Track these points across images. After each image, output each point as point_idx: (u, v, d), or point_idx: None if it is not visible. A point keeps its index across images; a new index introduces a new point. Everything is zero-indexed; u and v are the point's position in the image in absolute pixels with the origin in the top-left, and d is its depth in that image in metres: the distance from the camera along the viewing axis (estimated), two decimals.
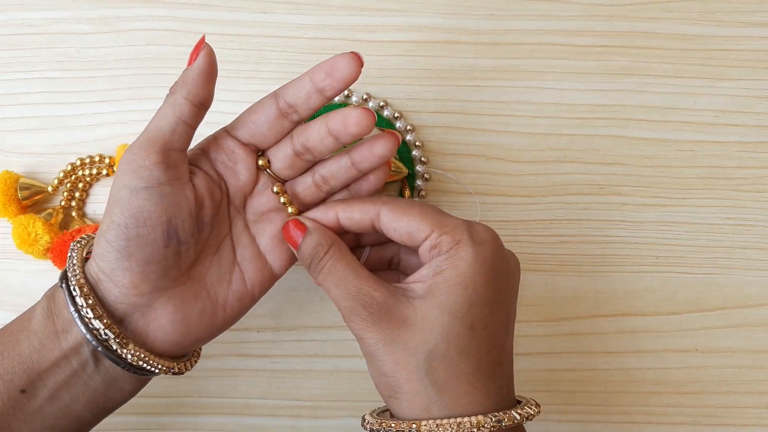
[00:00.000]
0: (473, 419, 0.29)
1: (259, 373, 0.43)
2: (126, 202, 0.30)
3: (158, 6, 0.44)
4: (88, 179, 0.43)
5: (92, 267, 0.31)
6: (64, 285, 0.30)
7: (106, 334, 0.30)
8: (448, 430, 0.28)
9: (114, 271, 0.30)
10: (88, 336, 0.30)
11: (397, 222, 0.32)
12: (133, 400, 0.43)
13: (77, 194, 0.43)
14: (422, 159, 0.43)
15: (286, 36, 0.44)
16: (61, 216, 0.43)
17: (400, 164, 0.42)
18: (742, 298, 0.44)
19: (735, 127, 0.44)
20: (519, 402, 0.32)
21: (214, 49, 0.44)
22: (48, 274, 0.43)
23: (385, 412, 0.33)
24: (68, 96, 0.44)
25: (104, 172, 0.43)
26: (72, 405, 0.31)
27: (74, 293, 0.30)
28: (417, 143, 0.43)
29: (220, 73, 0.44)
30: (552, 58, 0.44)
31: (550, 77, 0.44)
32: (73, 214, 0.43)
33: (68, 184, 0.43)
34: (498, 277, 0.31)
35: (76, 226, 0.42)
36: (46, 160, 0.44)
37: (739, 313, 0.43)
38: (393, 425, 0.30)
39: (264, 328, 0.43)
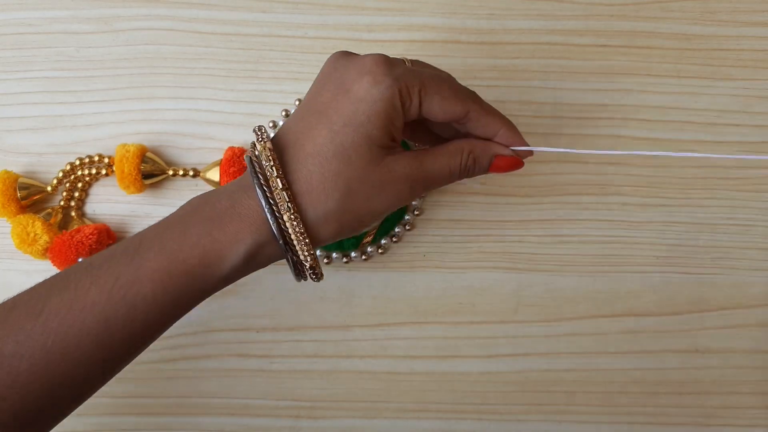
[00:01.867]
0: None
1: (259, 374, 0.43)
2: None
3: (158, 5, 0.44)
4: (87, 179, 0.43)
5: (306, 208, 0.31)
6: (288, 252, 0.31)
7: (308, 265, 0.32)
8: None
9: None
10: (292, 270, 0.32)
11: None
12: (133, 400, 0.43)
13: (76, 194, 0.43)
14: None
15: (287, 35, 0.44)
16: (60, 216, 0.43)
17: None
18: (743, 299, 0.44)
19: (735, 127, 0.44)
20: None
21: (215, 49, 0.44)
22: (48, 274, 0.43)
23: None
24: (68, 96, 0.44)
25: (103, 171, 0.43)
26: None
27: (299, 253, 0.31)
28: (416, 145, 0.43)
29: (219, 73, 0.44)
30: (552, 58, 0.44)
31: (551, 77, 0.44)
32: (72, 213, 0.43)
33: (67, 184, 0.43)
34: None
35: (75, 226, 0.42)
36: (46, 160, 0.44)
37: (740, 313, 0.43)
38: None
39: (264, 328, 0.43)
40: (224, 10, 0.44)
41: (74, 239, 0.40)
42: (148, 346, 0.32)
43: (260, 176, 0.30)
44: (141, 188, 0.42)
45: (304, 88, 0.43)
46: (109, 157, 0.43)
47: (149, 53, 0.44)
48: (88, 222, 0.43)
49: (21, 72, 0.44)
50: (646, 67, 0.44)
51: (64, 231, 0.42)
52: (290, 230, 0.30)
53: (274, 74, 0.44)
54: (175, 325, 0.43)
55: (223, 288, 0.32)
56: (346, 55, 0.32)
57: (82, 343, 0.29)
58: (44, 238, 0.41)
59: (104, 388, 0.43)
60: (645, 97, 0.44)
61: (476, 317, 0.43)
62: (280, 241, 0.31)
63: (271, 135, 0.34)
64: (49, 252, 0.41)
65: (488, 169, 0.34)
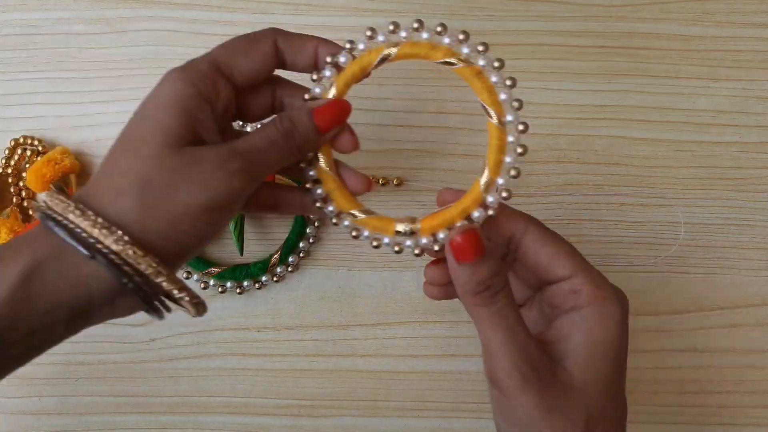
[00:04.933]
0: None
1: (260, 373, 0.43)
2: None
3: (159, 7, 0.44)
4: (27, 157, 0.43)
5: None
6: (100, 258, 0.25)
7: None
8: None
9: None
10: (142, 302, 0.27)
11: (543, 248, 0.29)
12: (134, 399, 0.43)
13: (24, 193, 0.43)
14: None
15: None
16: (19, 216, 0.43)
17: (289, 181, 0.42)
18: (741, 298, 0.44)
19: (734, 128, 0.44)
20: None
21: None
22: None
23: None
24: (70, 96, 0.44)
25: (28, 152, 0.43)
26: (28, 358, 0.28)
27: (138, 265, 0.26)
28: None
29: None
30: (552, 59, 0.44)
31: (550, 78, 0.44)
32: (30, 212, 0.43)
33: (13, 162, 0.43)
34: (626, 345, 0.30)
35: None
36: None
37: (738, 312, 0.44)
38: None
39: (264, 327, 0.44)
40: (225, 11, 0.44)
41: (33, 225, 0.40)
42: None
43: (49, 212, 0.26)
44: (41, 190, 0.42)
45: None
46: (44, 146, 0.43)
47: (151, 54, 0.44)
48: None
49: (23, 72, 0.44)
50: (644, 68, 0.44)
51: (26, 224, 0.42)
52: (83, 224, 0.25)
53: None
54: (175, 324, 0.43)
55: (10, 330, 0.25)
56: None
57: None
58: (7, 238, 0.41)
59: (105, 388, 0.43)
60: (643, 98, 0.44)
61: None
62: (72, 241, 0.25)
63: None
64: None
65: (314, 125, 0.29)
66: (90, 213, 0.25)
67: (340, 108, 0.30)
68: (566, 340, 0.29)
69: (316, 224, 0.43)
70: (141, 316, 0.43)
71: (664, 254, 0.44)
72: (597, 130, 0.44)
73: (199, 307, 0.28)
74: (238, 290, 0.43)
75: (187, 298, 0.27)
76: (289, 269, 0.43)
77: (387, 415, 0.43)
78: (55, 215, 0.26)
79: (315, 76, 0.31)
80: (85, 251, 0.25)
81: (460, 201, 0.30)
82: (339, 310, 0.44)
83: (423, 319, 0.43)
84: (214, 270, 0.43)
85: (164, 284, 0.26)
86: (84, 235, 0.25)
